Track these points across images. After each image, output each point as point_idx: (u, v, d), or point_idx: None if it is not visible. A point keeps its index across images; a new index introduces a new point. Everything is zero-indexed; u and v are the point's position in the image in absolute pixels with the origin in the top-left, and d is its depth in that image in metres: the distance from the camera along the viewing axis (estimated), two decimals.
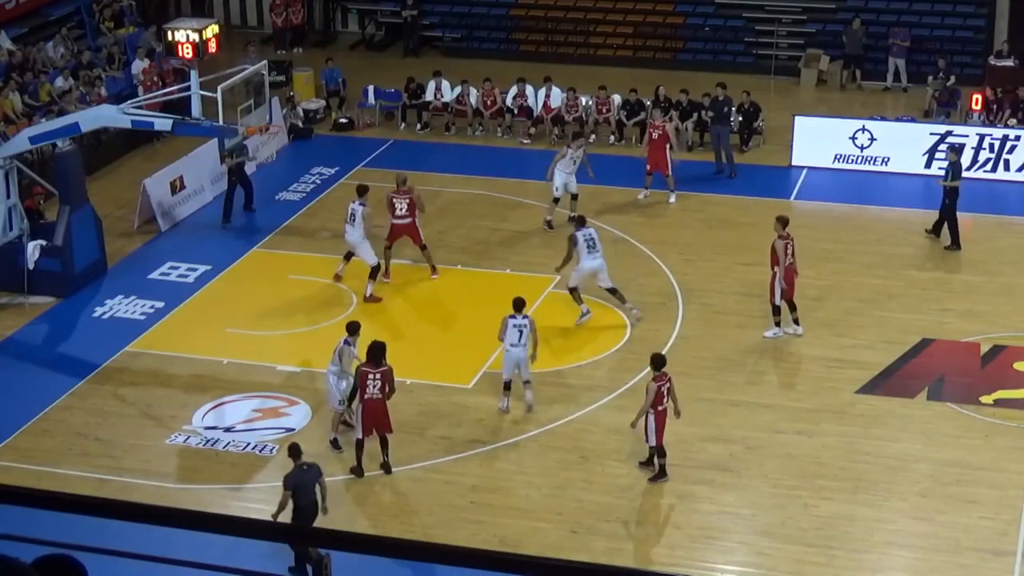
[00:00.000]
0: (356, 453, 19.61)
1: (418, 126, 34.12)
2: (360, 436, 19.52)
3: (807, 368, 22.63)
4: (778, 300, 23.18)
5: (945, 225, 27.05)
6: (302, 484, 17.30)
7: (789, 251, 23.00)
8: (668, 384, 19.53)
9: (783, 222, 23.20)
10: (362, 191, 25.03)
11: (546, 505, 18.99)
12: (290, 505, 17.29)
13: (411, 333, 23.46)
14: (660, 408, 19.45)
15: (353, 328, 20.51)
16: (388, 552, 4.19)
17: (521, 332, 20.96)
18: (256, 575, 4.34)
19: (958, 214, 26.87)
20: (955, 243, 26.91)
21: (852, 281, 25.64)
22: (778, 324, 23.38)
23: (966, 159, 30.35)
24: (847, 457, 20.14)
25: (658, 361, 19.80)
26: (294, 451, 17.76)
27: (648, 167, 28.88)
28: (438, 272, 25.68)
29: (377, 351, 19.29)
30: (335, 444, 20.34)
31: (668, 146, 28.72)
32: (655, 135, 28.77)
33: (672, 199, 28.94)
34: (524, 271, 25.92)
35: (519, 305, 21.31)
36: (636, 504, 19.15)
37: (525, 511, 18.92)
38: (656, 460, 19.64)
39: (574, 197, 27.64)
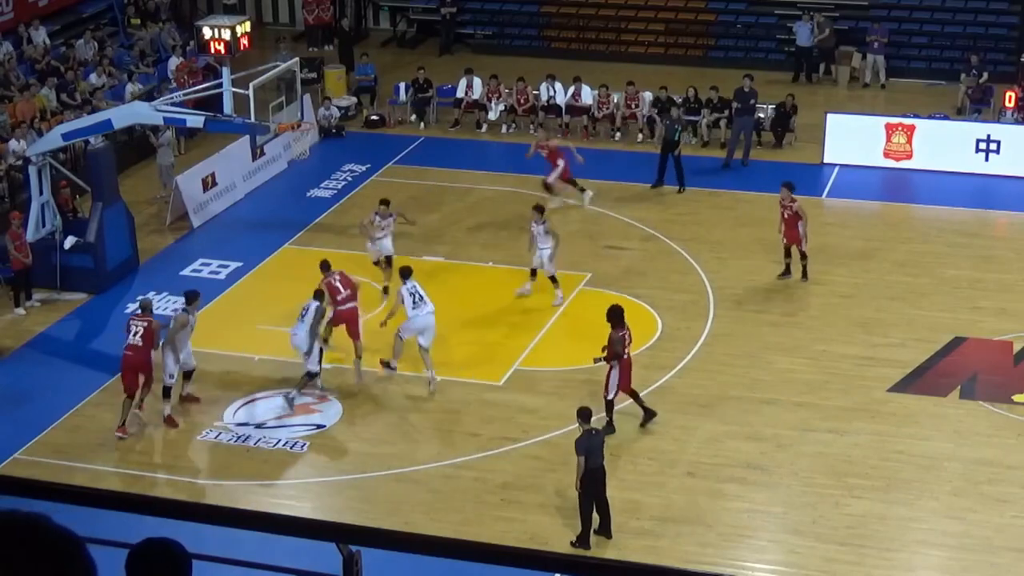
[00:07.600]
0: None
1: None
2: None
3: (838, 366, 22.52)
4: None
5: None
6: None
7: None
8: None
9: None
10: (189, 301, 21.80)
11: (577, 503, 18.93)
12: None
13: (441, 330, 23.45)
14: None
15: (406, 272, 21.92)
16: (419, 549, 4.19)
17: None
18: (287, 571, 4.34)
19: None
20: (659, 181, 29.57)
21: (884, 279, 25.53)
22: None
23: (1002, 158, 30.19)
24: (879, 455, 20.05)
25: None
26: None
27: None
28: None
29: None
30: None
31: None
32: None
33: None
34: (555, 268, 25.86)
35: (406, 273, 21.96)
36: (667, 502, 19.10)
37: (556, 508, 18.91)
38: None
39: None
